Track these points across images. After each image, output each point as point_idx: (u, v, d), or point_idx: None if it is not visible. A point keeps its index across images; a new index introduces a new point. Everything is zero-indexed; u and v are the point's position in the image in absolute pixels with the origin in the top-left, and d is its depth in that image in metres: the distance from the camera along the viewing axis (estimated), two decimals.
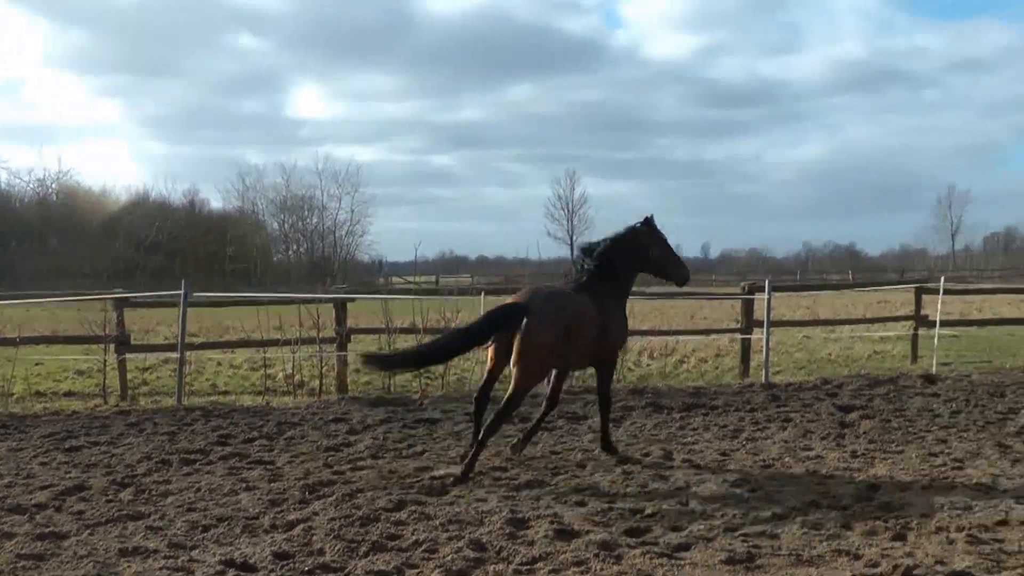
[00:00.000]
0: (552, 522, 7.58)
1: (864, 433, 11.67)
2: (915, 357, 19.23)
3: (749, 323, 17.99)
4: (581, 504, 8.26)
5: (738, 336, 18.25)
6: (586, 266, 10.61)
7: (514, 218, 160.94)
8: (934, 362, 17.91)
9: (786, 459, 10.19)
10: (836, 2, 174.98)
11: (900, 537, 7.26)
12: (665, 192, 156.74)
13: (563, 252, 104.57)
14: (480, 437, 9.58)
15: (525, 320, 9.53)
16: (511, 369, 9.69)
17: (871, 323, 23.12)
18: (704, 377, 16.40)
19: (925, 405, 13.78)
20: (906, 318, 20.57)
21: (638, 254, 10.78)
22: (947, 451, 10.59)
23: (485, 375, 10.26)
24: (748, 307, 18.06)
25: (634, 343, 19.70)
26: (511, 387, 9.64)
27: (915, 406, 13.70)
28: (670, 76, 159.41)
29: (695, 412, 13.25)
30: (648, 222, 10.87)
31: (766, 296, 17.35)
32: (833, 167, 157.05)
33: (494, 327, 9.72)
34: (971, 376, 16.82)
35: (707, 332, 22.21)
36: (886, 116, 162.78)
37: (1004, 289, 38.45)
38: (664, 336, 21.07)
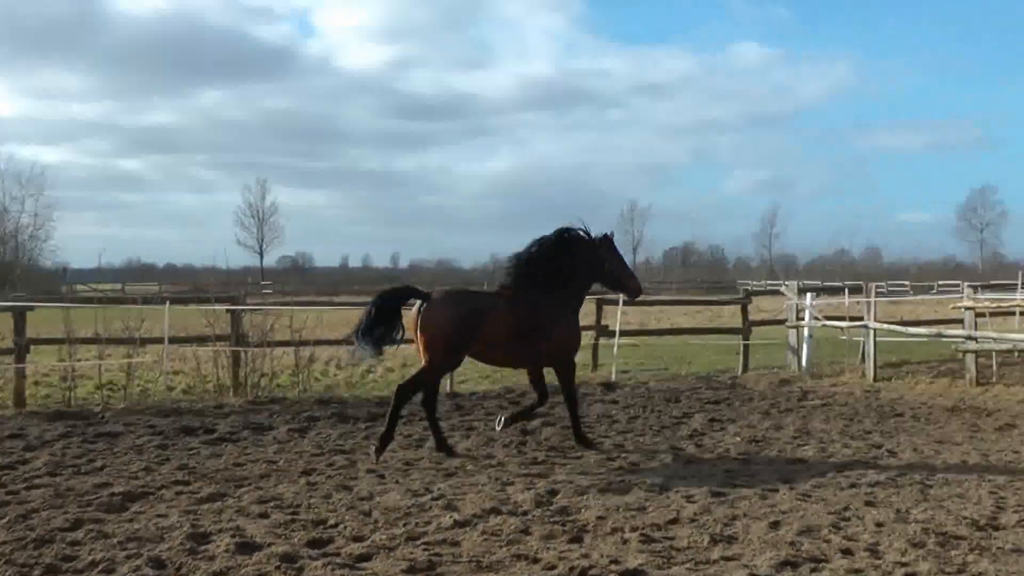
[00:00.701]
0: (234, 536, 7.51)
1: (545, 440, 12.08)
2: (595, 365, 20.00)
3: None
4: (264, 516, 8.22)
5: None
6: (512, 274, 11.49)
7: (203, 225, 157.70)
8: (614, 370, 18.77)
9: (468, 467, 10.45)
10: (526, 22, 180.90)
11: (577, 539, 7.58)
12: (357, 202, 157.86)
13: (253, 260, 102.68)
14: (391, 413, 10.83)
15: (424, 306, 10.86)
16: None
17: None
18: (390, 388, 16.52)
19: (604, 411, 14.46)
20: (587, 328, 21.31)
21: (591, 266, 11.65)
22: (624, 455, 11.17)
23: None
24: None
25: (322, 352, 19.68)
26: (420, 368, 11.03)
27: (595, 412, 14.35)
28: (362, 87, 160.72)
29: (380, 422, 13.31)
30: (607, 238, 11.72)
31: None
32: (521, 180, 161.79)
33: (380, 300, 11.15)
34: (648, 383, 17.77)
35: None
36: (573, 133, 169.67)
37: (681, 301, 40.79)
38: (352, 345, 21.01)
